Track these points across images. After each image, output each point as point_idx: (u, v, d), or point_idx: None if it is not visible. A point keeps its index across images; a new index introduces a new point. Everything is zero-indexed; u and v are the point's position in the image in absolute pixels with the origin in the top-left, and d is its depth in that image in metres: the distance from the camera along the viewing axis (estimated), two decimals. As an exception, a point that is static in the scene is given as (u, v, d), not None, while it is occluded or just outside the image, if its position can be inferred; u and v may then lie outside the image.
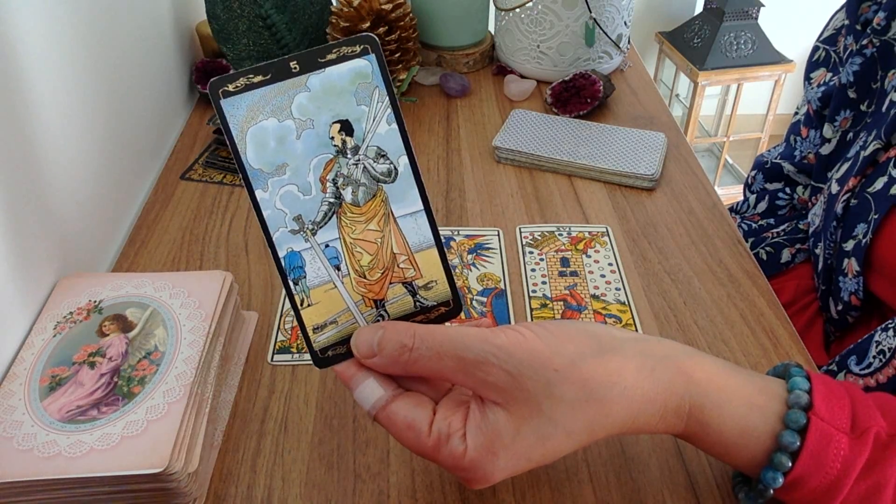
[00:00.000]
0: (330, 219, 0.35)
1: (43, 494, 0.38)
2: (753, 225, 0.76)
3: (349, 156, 0.35)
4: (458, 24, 0.90)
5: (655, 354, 0.36)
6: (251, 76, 0.34)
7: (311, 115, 0.34)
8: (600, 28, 0.83)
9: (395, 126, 0.35)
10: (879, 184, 0.52)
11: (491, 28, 0.95)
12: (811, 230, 0.66)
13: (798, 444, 0.34)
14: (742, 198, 0.82)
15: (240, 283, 0.56)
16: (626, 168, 0.69)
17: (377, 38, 0.34)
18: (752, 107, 2.29)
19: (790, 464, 0.34)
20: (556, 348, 0.34)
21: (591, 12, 0.82)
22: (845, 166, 0.59)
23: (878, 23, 0.57)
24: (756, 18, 1.99)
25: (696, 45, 2.04)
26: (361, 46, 0.34)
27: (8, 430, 0.39)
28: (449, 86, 0.85)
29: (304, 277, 0.35)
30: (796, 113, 0.76)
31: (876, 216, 0.52)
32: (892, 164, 0.51)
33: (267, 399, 0.47)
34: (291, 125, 0.34)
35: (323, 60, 0.34)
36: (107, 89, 0.61)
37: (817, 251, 0.63)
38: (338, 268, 0.36)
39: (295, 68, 0.34)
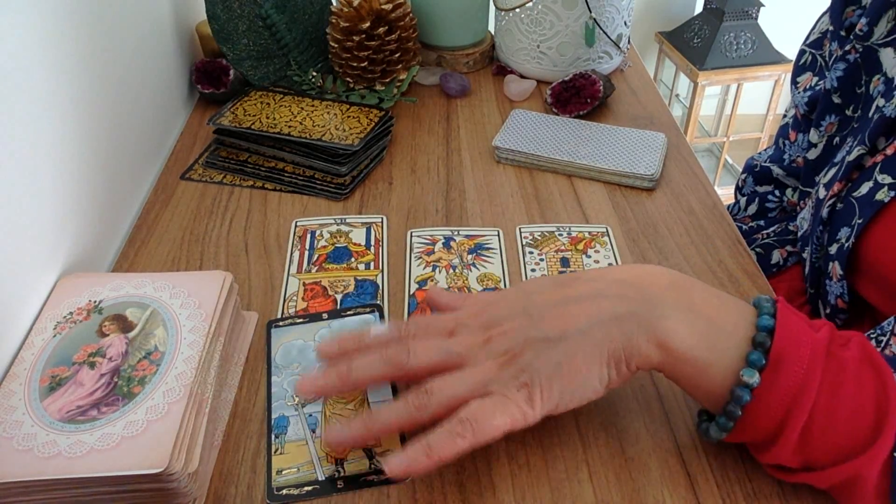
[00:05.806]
0: (318, 398, 0.47)
1: (43, 494, 0.38)
2: (744, 227, 0.76)
3: None
4: (458, 24, 0.90)
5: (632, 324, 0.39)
6: (296, 319, 0.52)
7: None
8: (600, 28, 0.83)
9: None
10: (864, 188, 0.52)
11: (491, 28, 0.95)
12: (800, 234, 0.66)
13: (772, 323, 0.38)
14: (733, 200, 0.82)
15: (240, 283, 0.56)
16: (626, 168, 0.69)
17: (382, 308, 0.53)
18: (752, 107, 2.29)
19: (769, 342, 0.37)
20: None
21: (591, 12, 0.82)
22: (832, 171, 0.59)
23: (860, 28, 0.57)
24: (756, 18, 1.99)
25: (696, 45, 2.04)
26: (371, 309, 0.53)
27: (8, 430, 0.39)
28: (449, 86, 0.85)
29: (285, 434, 0.45)
30: (785, 116, 0.76)
31: (860, 221, 0.52)
32: (877, 169, 0.52)
33: (267, 399, 0.47)
34: (311, 344, 0.51)
35: (344, 315, 0.53)
36: (107, 89, 0.61)
37: (805, 255, 0.63)
38: (314, 431, 0.45)
39: (325, 317, 0.53)
